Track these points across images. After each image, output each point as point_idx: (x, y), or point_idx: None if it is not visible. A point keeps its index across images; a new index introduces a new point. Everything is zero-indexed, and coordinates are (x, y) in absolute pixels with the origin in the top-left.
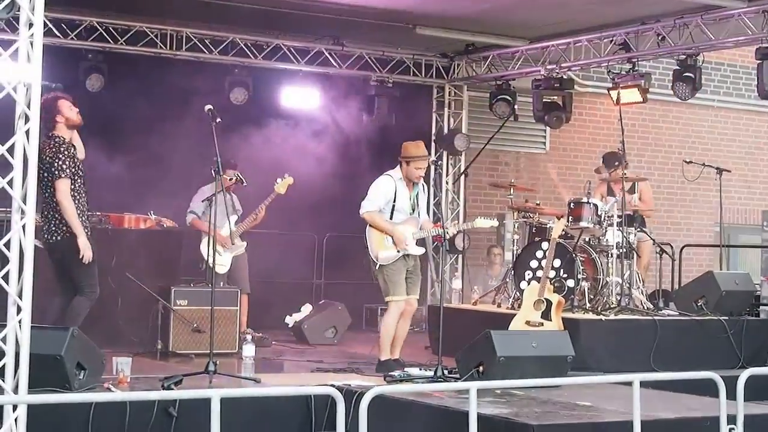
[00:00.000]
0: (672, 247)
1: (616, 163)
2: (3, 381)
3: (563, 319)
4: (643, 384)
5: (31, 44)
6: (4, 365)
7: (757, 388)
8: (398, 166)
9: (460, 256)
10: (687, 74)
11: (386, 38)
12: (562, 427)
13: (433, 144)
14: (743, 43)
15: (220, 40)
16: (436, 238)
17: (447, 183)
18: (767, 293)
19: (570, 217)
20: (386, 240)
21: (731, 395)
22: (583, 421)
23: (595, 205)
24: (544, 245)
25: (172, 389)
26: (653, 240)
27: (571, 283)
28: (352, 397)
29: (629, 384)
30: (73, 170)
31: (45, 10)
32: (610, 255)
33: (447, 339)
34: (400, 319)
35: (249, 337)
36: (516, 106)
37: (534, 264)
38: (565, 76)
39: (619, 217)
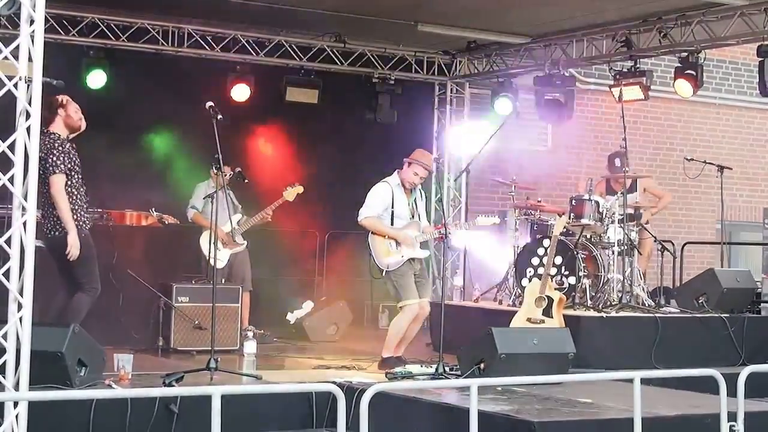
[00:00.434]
0: (673, 244)
1: (616, 159)
2: (4, 378)
3: (564, 316)
4: (644, 381)
5: (33, 41)
6: (5, 362)
7: (757, 386)
8: (395, 173)
9: (462, 253)
10: (689, 72)
11: (388, 35)
12: (563, 424)
13: (434, 141)
14: (745, 40)
15: (221, 36)
16: (439, 239)
17: (448, 180)
18: None
19: (571, 214)
20: (390, 245)
21: (732, 392)
22: (584, 418)
23: (597, 202)
24: (546, 242)
25: (174, 386)
26: (654, 237)
27: (572, 280)
28: (354, 394)
29: (630, 381)
30: (70, 166)
31: (46, 6)
32: (611, 252)
33: (448, 336)
34: (412, 321)
35: (250, 334)
36: (518, 103)
37: (535, 261)
38: (566, 74)
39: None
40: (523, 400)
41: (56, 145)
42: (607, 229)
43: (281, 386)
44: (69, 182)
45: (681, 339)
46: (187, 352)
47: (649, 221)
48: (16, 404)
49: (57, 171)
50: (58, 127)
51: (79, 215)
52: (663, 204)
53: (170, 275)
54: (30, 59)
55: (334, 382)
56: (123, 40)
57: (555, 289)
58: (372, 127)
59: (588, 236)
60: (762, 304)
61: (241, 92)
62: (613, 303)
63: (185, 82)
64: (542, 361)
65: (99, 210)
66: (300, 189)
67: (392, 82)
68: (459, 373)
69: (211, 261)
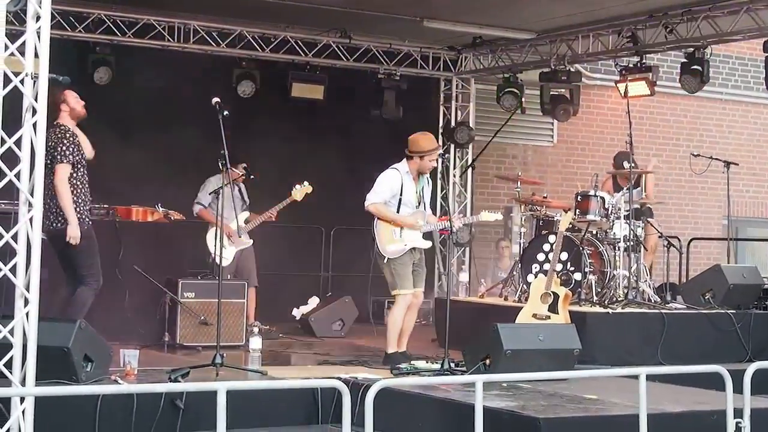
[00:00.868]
0: (680, 240)
1: (624, 162)
2: (11, 373)
3: (570, 312)
4: (650, 377)
5: (39, 37)
6: (11, 357)
7: (764, 382)
8: (404, 160)
9: (467, 249)
10: (695, 67)
11: (393, 31)
12: (569, 421)
13: (440, 137)
14: (751, 35)
15: (227, 32)
16: (442, 231)
17: (454, 176)
18: None
19: (577, 210)
20: (394, 233)
21: (738, 389)
22: (589, 414)
23: (602, 198)
24: (551, 238)
25: (179, 381)
26: (660, 233)
27: (578, 276)
28: (359, 389)
29: (636, 377)
30: (77, 158)
31: (52, 2)
32: (617, 248)
33: (454, 332)
34: (407, 312)
35: (256, 329)
36: (523, 99)
37: (541, 257)
38: (572, 69)
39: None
40: (528, 396)
41: (67, 135)
42: (613, 224)
43: (286, 382)
44: (74, 175)
45: (687, 335)
46: (193, 347)
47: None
48: (22, 399)
49: (64, 161)
50: (66, 120)
51: (81, 208)
52: (651, 182)
53: (176, 271)
54: (36, 55)
55: (339, 378)
56: (129, 36)
57: (560, 285)
58: (377, 123)
59: (594, 232)
60: None
61: (246, 88)
62: (619, 299)
63: (191, 78)
64: (548, 358)
65: (105, 206)
66: (309, 188)
67: (398, 77)
68: (464, 369)
69: (217, 258)
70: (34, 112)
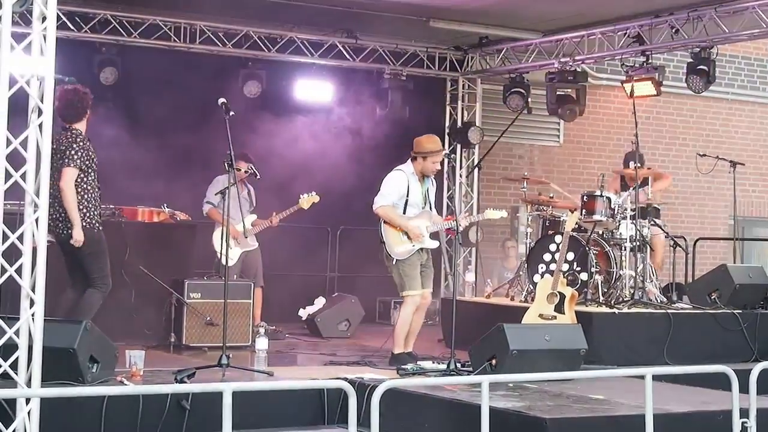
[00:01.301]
0: (686, 240)
1: (631, 162)
2: (16, 374)
3: (576, 312)
4: (656, 377)
5: (45, 37)
6: (17, 358)
7: None
8: (409, 161)
9: (474, 249)
10: (701, 67)
11: (400, 31)
12: (575, 421)
13: (446, 137)
14: (758, 35)
15: (233, 33)
16: (449, 231)
17: (460, 176)
18: None
19: (583, 210)
20: (402, 235)
21: (744, 389)
22: (596, 414)
23: (609, 198)
24: (558, 238)
25: (185, 382)
26: (667, 233)
27: (584, 276)
28: (365, 390)
29: (642, 377)
30: (87, 163)
31: (58, 3)
32: (623, 248)
33: (460, 332)
34: (415, 312)
35: (262, 330)
36: (530, 99)
37: (547, 257)
38: (578, 69)
39: (633, 210)
40: (534, 396)
41: (78, 140)
42: (619, 225)
43: (292, 383)
44: (84, 179)
45: (693, 335)
46: (199, 348)
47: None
48: (28, 401)
49: (72, 165)
50: (82, 125)
51: (92, 213)
52: (663, 185)
53: (182, 271)
54: (42, 56)
55: (345, 379)
56: (135, 37)
57: (567, 285)
58: (383, 123)
59: (600, 232)
60: None
61: (252, 88)
62: (625, 299)
63: (197, 79)
64: (554, 358)
65: (111, 206)
66: (316, 198)
67: (404, 77)
68: (470, 369)
69: (223, 259)
70: (40, 113)
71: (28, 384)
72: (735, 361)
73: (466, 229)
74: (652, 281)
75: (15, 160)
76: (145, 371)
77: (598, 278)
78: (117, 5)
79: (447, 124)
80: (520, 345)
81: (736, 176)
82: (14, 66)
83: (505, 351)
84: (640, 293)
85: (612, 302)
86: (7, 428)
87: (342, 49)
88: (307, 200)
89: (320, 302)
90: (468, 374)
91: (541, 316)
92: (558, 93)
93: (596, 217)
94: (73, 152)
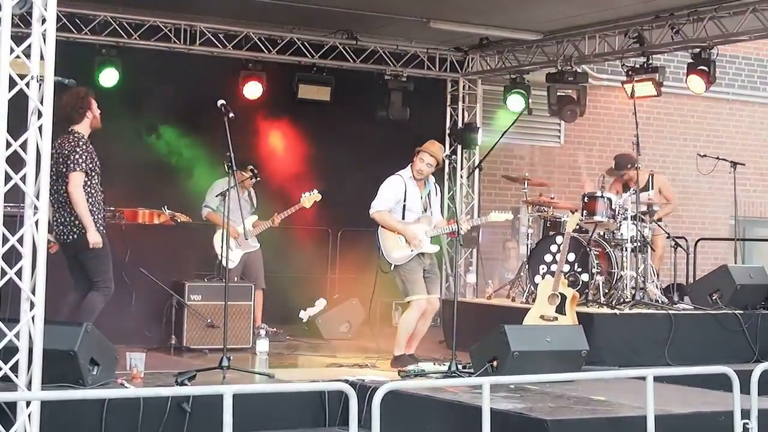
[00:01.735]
0: (687, 240)
1: (629, 165)
2: (16, 377)
3: (578, 313)
4: (657, 378)
5: (44, 39)
6: (17, 361)
7: None
8: (408, 166)
9: (475, 250)
10: (701, 67)
11: (400, 32)
12: (577, 422)
13: (447, 138)
14: (758, 35)
15: (234, 34)
16: (450, 234)
17: (461, 177)
18: None
19: (584, 211)
20: (399, 240)
21: (746, 390)
22: (597, 415)
23: (609, 199)
24: (559, 239)
25: (186, 385)
26: (668, 234)
27: (585, 277)
28: (366, 392)
29: (643, 378)
30: (91, 167)
31: (58, 5)
32: (624, 249)
33: (461, 333)
34: (421, 317)
35: (263, 332)
36: (530, 100)
37: (548, 258)
38: (579, 70)
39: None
40: (536, 398)
41: (81, 143)
42: (620, 225)
43: (293, 385)
44: (88, 183)
45: (694, 336)
46: (200, 350)
47: (662, 219)
48: (28, 404)
49: (78, 169)
50: (83, 128)
51: (96, 216)
52: (668, 210)
53: (183, 273)
54: (42, 58)
55: (346, 381)
56: (135, 38)
57: (568, 286)
58: (384, 124)
59: (601, 233)
60: None
61: (253, 90)
62: (626, 300)
63: (197, 80)
64: (555, 359)
65: (111, 208)
66: (318, 196)
67: (404, 78)
68: (472, 371)
69: (224, 260)
70: (40, 115)
71: (29, 387)
72: (736, 361)
73: (468, 232)
74: (653, 282)
75: (15, 162)
76: (146, 373)
77: (599, 279)
78: (117, 7)
79: (447, 125)
80: (522, 346)
81: (737, 177)
82: (14, 67)
83: (507, 352)
84: (641, 294)
85: (613, 303)
86: (7, 431)
87: (342, 50)
88: (309, 198)
89: (321, 304)
90: (469, 376)
91: (542, 317)
92: (558, 94)
93: (597, 218)
94: (77, 156)
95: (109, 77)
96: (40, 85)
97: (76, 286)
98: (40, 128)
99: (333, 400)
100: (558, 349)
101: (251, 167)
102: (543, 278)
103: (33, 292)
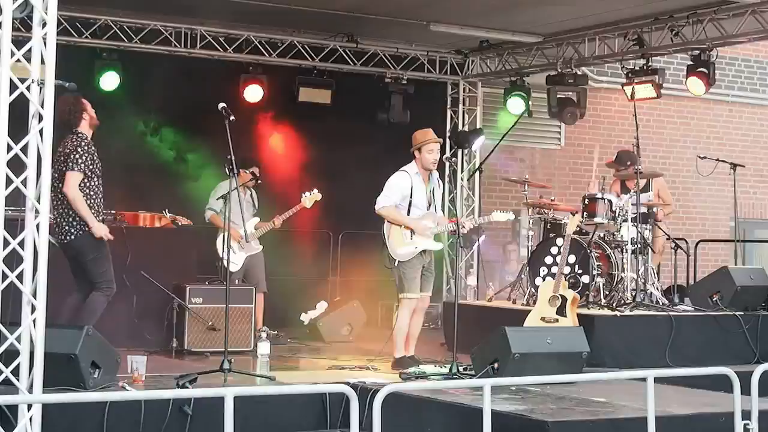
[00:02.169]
0: (687, 242)
1: (629, 162)
2: (18, 380)
3: (578, 315)
4: (658, 380)
5: (45, 43)
6: (18, 364)
7: None
8: (413, 161)
9: (475, 252)
10: (701, 69)
11: (400, 35)
12: (577, 424)
13: (447, 141)
14: (758, 37)
15: (234, 37)
16: (452, 233)
17: (462, 179)
18: None
19: (584, 213)
20: (405, 236)
21: (746, 391)
22: (598, 417)
23: (610, 201)
24: (559, 241)
25: (187, 388)
26: (668, 235)
27: (585, 279)
28: (367, 394)
29: (644, 380)
30: (91, 168)
31: (58, 8)
32: (624, 250)
33: (462, 335)
34: (413, 315)
35: (264, 334)
36: (530, 102)
37: (549, 260)
38: (579, 72)
39: (634, 213)
40: (537, 399)
41: (82, 144)
42: (621, 227)
43: (294, 387)
44: (88, 184)
45: (695, 337)
46: (201, 353)
47: (661, 220)
48: (30, 407)
49: (75, 169)
50: (85, 128)
51: (96, 218)
52: (667, 211)
53: (184, 276)
54: (42, 62)
55: (347, 383)
56: (135, 42)
57: (568, 288)
58: (385, 127)
59: (601, 235)
60: None
61: (253, 93)
62: (626, 302)
63: (198, 84)
64: (556, 361)
65: (112, 211)
66: (318, 196)
67: (405, 81)
68: (473, 372)
69: (226, 263)
70: (41, 118)
71: (30, 390)
72: (736, 363)
73: (469, 231)
74: (653, 283)
75: (16, 165)
76: (147, 376)
77: (600, 281)
78: (117, 10)
79: (448, 127)
80: (522, 348)
81: (737, 178)
82: (15, 71)
83: (507, 354)
84: (641, 295)
85: (614, 305)
86: None
87: (343, 53)
88: (309, 198)
89: (322, 306)
90: (470, 378)
91: (543, 319)
92: (558, 96)
93: (597, 219)
94: (77, 156)
95: (109, 81)
96: (40, 88)
97: (79, 287)
98: (40, 132)
99: (334, 403)
100: (559, 351)
101: (252, 171)
102: (543, 280)
103: (34, 295)
